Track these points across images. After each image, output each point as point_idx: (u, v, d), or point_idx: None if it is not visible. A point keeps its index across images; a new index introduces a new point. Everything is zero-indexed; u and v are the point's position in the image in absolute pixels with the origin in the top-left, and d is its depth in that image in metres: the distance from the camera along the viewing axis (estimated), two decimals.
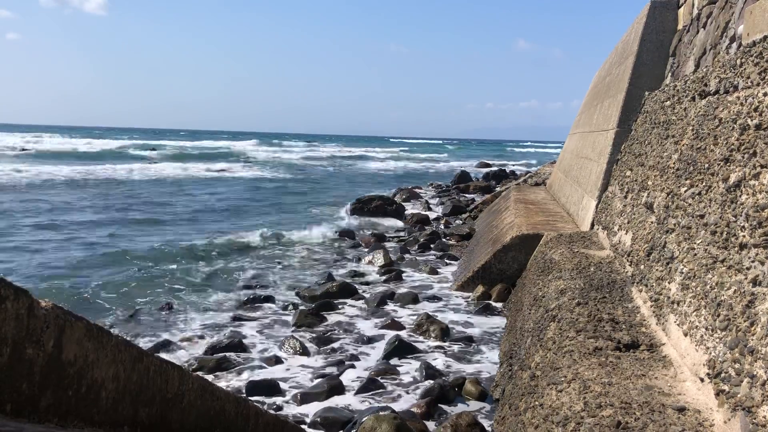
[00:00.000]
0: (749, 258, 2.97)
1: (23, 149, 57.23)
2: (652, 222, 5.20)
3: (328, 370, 7.23)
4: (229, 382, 6.92)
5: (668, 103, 6.25)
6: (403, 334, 8.36)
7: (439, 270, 12.35)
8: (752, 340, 2.70)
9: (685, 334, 3.52)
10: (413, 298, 10.07)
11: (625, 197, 6.87)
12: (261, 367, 7.36)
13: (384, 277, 11.73)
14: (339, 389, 6.58)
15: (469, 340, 8.23)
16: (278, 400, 6.46)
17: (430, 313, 9.02)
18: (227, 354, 7.63)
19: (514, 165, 52.93)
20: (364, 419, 5.48)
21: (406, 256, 13.75)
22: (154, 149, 46.04)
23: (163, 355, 5.49)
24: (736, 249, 3.14)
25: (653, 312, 4.28)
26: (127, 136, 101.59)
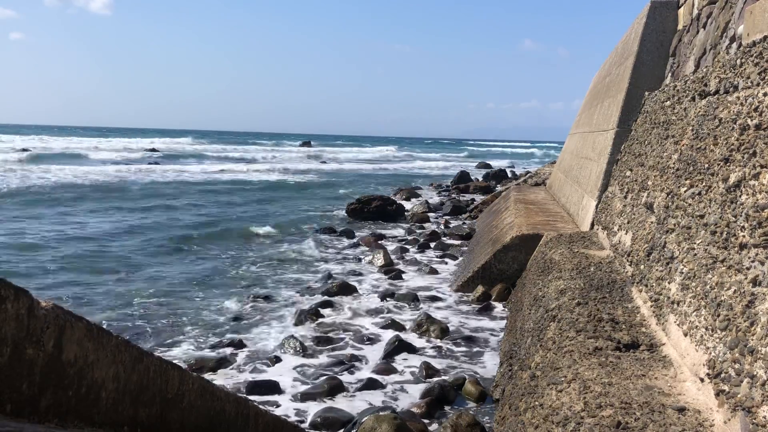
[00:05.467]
0: (749, 258, 2.97)
1: (24, 149, 57.16)
2: (652, 222, 5.20)
3: (328, 369, 7.23)
4: (229, 381, 6.92)
5: (668, 103, 6.25)
6: (403, 334, 8.36)
7: (439, 270, 12.35)
8: (752, 340, 2.70)
9: (685, 334, 3.52)
10: (413, 298, 10.08)
11: (625, 197, 6.88)
12: (261, 367, 7.36)
13: (384, 277, 11.73)
14: (339, 389, 6.58)
15: (469, 340, 8.23)
16: (278, 400, 6.46)
17: (430, 313, 9.02)
18: (227, 353, 7.63)
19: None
20: (364, 419, 5.49)
21: (406, 256, 13.76)
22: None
23: (163, 355, 5.49)
24: (736, 249, 3.14)
25: (653, 312, 4.28)
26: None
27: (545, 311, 5.35)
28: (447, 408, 6.24)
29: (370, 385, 6.73)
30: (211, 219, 19.61)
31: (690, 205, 4.15)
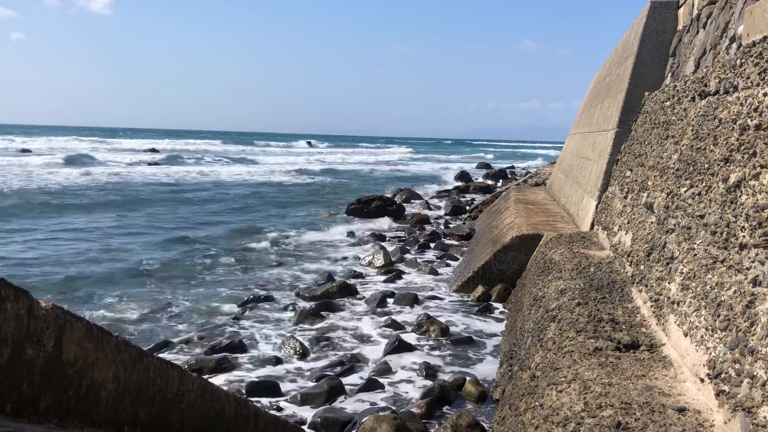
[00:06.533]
0: (749, 258, 2.97)
1: (24, 150, 57.17)
2: (652, 222, 5.20)
3: (328, 370, 7.22)
4: (228, 382, 6.92)
5: (668, 103, 6.25)
6: (403, 334, 8.36)
7: (439, 270, 12.35)
8: (752, 340, 2.70)
9: (685, 335, 3.52)
10: (413, 298, 10.07)
11: (625, 197, 6.87)
12: (261, 368, 7.36)
13: (384, 277, 11.73)
14: (339, 389, 6.58)
15: (469, 340, 8.22)
16: (278, 400, 6.46)
17: (430, 313, 9.02)
18: (227, 354, 7.63)
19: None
20: (364, 419, 5.48)
21: (406, 256, 13.75)
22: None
23: (163, 356, 5.49)
24: (736, 249, 3.14)
25: (653, 312, 4.27)
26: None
27: (545, 311, 5.35)
28: (447, 408, 6.24)
29: (370, 385, 6.72)
30: (213, 220, 19.62)
31: (690, 205, 4.15)
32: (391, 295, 10.29)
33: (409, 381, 6.93)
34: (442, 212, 21.94)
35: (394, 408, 6.04)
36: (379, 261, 12.88)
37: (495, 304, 9.71)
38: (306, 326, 8.85)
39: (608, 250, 6.91)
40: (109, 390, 1.66)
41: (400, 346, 7.76)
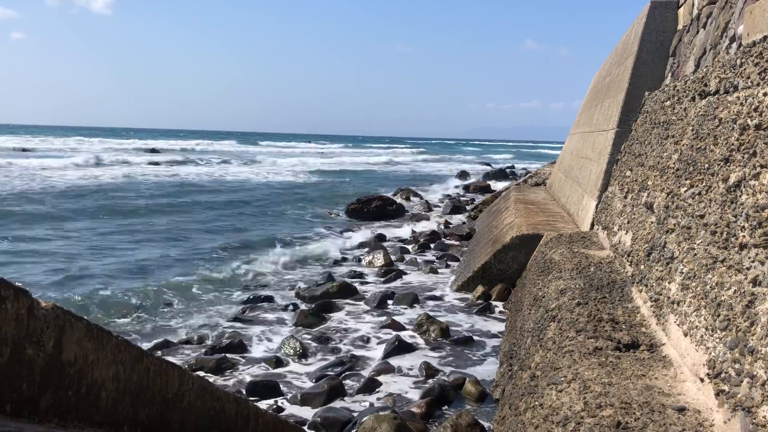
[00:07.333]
0: (749, 258, 2.97)
1: (24, 149, 57.22)
2: (652, 222, 5.20)
3: (328, 370, 7.23)
4: (229, 382, 6.92)
5: (668, 103, 6.25)
6: (403, 334, 8.36)
7: (439, 270, 12.35)
8: (752, 340, 2.70)
9: (685, 334, 3.52)
10: (413, 298, 10.07)
11: (625, 197, 6.87)
12: (261, 368, 7.36)
13: (384, 277, 11.73)
14: (339, 389, 6.58)
15: (469, 340, 8.22)
16: (278, 400, 6.46)
17: (430, 313, 9.02)
18: (227, 354, 7.63)
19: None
20: (364, 419, 5.48)
21: (406, 256, 13.75)
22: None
23: (163, 356, 5.49)
24: (736, 249, 3.14)
25: (653, 312, 4.27)
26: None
27: (545, 311, 5.35)
28: (447, 408, 6.24)
29: (370, 385, 6.73)
30: (214, 220, 19.61)
31: (690, 205, 4.15)
32: (391, 295, 10.29)
33: (409, 381, 6.93)
34: (442, 212, 21.95)
35: (394, 408, 6.04)
36: (379, 261, 12.88)
37: (495, 304, 9.71)
38: (306, 326, 8.84)
39: (608, 249, 6.91)
40: (109, 390, 1.66)
41: (400, 346, 7.76)
